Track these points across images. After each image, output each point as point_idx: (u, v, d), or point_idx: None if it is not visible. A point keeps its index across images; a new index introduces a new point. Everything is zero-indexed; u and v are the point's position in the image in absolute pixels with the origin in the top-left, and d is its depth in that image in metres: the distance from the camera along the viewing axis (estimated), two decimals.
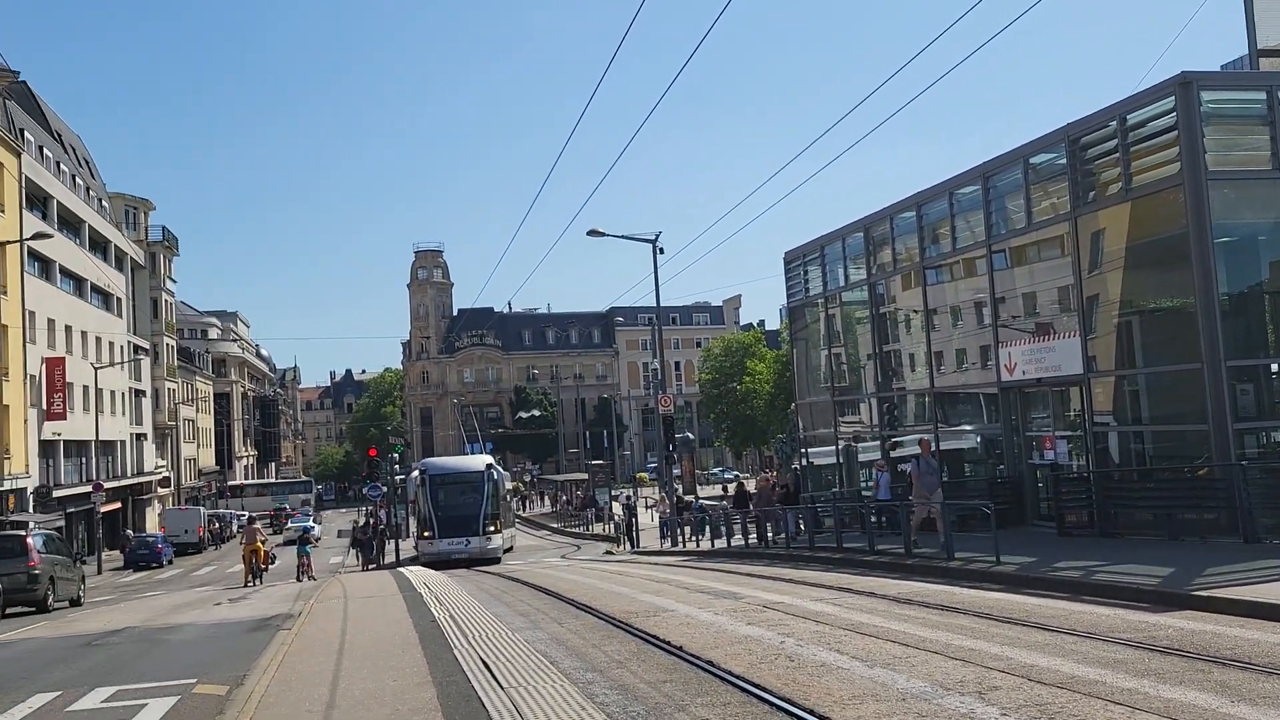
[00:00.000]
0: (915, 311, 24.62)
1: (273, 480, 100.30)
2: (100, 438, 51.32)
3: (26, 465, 43.66)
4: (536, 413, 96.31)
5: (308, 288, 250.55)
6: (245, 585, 30.37)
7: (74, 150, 61.16)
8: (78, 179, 57.47)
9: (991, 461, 22.60)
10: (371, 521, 44.10)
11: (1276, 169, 16.80)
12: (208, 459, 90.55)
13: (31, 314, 45.12)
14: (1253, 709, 6.39)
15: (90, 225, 56.04)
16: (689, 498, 38.93)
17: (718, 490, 60.20)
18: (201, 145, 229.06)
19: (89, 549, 47.91)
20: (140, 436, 64.38)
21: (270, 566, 35.42)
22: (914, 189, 24.12)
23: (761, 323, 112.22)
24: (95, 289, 56.28)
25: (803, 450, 31.50)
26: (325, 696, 8.63)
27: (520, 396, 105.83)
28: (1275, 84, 17.22)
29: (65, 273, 51.17)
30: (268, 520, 66.14)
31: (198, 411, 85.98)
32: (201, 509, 63.88)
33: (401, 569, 29.95)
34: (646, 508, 50.66)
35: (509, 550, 37.38)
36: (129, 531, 55.45)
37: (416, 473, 37.55)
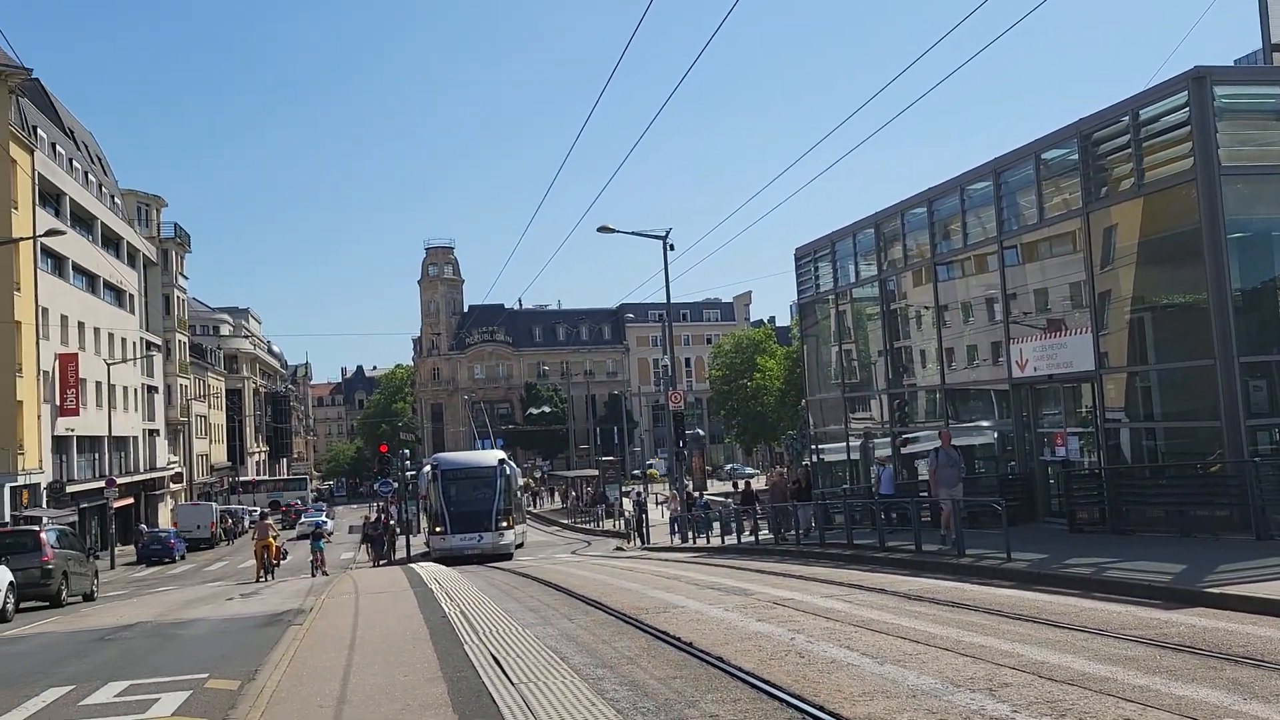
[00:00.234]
0: (926, 307, 24.56)
1: (266, 478, 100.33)
2: (113, 433, 51.55)
3: (40, 461, 43.89)
4: (547, 409, 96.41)
5: (319, 284, 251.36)
6: (257, 580, 30.49)
7: (86, 147, 61.39)
8: (90, 176, 57.69)
9: (1004, 458, 22.54)
10: (383, 517, 44.21)
11: None
12: (220, 455, 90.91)
13: (44, 310, 45.34)
14: (1265, 707, 6.36)
15: (103, 222, 56.27)
16: (698, 494, 38.96)
17: (728, 487, 60.18)
18: (213, 143, 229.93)
19: (102, 544, 48.16)
20: (153, 432, 64.67)
21: (282, 562, 35.55)
22: (925, 186, 24.07)
23: (772, 319, 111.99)
24: (108, 285, 56.52)
25: (813, 446, 31.47)
26: (336, 691, 8.66)
27: (531, 393, 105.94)
28: None
29: (78, 269, 51.40)
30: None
31: (210, 407, 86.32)
32: (214, 504, 64.13)
33: (412, 565, 30.00)
34: (657, 504, 50.70)
35: (520, 546, 37.33)
36: (143, 526, 55.73)
37: (428, 467, 37.32)
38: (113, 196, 63.40)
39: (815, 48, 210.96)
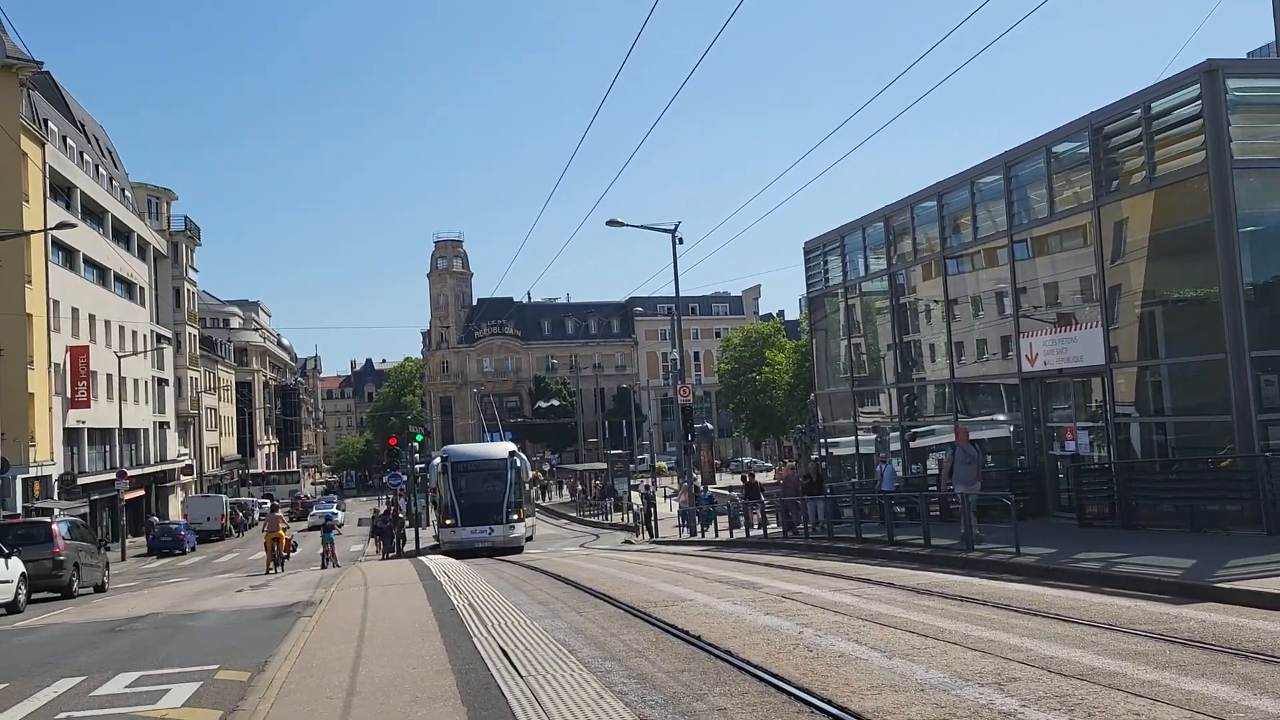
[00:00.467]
0: (936, 301, 24.50)
1: (258, 470, 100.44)
2: (124, 426, 51.77)
3: (51, 453, 44.11)
4: (555, 402, 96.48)
5: (328, 278, 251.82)
6: (267, 572, 30.60)
7: (97, 140, 61.56)
8: (101, 169, 57.86)
9: (1013, 452, 22.48)
10: (392, 510, 44.29)
11: None
12: (230, 447, 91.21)
13: (56, 303, 45.52)
14: (1276, 702, 6.33)
15: (113, 215, 56.45)
16: (703, 487, 38.94)
17: (739, 480, 60.14)
18: (224, 138, 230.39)
19: (113, 535, 48.39)
20: (163, 425, 64.93)
21: (291, 554, 35.67)
22: (935, 180, 24.00)
23: (781, 313, 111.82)
24: (118, 278, 56.73)
25: (822, 440, 31.44)
26: (345, 683, 8.69)
27: (539, 386, 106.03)
28: None
29: (89, 262, 51.59)
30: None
31: (219, 400, 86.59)
32: (224, 497, 64.38)
33: (421, 557, 30.07)
34: (665, 497, 50.70)
35: (529, 539, 37.29)
36: (155, 518, 55.98)
37: (438, 459, 36.75)
38: (123, 189, 63.60)
39: (824, 42, 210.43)
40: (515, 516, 33.54)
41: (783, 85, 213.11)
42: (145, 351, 60.02)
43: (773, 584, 14.36)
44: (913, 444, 25.98)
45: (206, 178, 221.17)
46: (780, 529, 25.98)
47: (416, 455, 47.29)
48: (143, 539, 51.62)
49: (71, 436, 47.67)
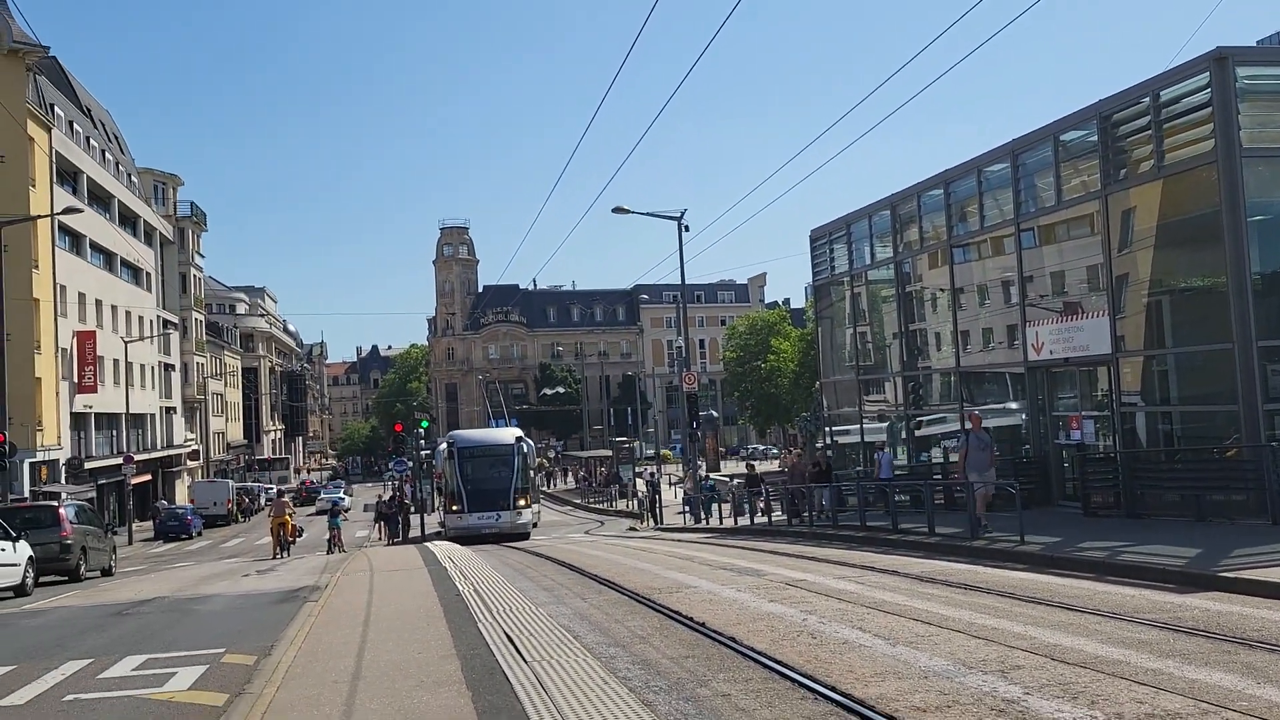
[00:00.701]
0: (942, 290, 24.44)
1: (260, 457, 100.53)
2: (130, 411, 51.91)
3: (59, 437, 44.26)
4: (561, 390, 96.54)
5: (335, 264, 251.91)
6: (273, 557, 30.68)
7: (103, 126, 61.55)
8: (107, 154, 57.87)
9: (1018, 440, 22.46)
10: (397, 496, 44.40)
11: None
12: (236, 433, 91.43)
13: (62, 288, 45.60)
14: (1279, 691, 6.34)
15: (120, 200, 56.48)
16: (705, 475, 38.95)
17: (743, 468, 60.16)
18: (229, 125, 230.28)
19: (120, 520, 48.56)
20: (169, 410, 65.09)
21: (298, 539, 35.76)
22: (941, 168, 23.90)
23: (786, 301, 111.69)
24: (125, 263, 56.80)
25: (827, 429, 31.44)
26: (351, 667, 8.73)
27: (545, 373, 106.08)
28: None
29: (95, 247, 51.65)
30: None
31: (226, 386, 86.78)
32: (230, 482, 64.55)
33: (427, 543, 30.13)
34: (670, 485, 50.78)
35: (535, 526, 37.27)
36: (163, 502, 56.16)
37: (445, 445, 36.46)
38: (129, 175, 63.62)
39: (830, 32, 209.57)
40: (522, 502, 33.33)
41: (788, 75, 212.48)
42: (151, 337, 60.13)
43: (777, 571, 14.38)
44: (918, 432, 25.97)
45: (213, 165, 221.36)
46: (785, 516, 26.00)
47: (422, 442, 47.39)
48: (149, 523, 51.79)
49: (78, 421, 47.81)
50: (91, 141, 54.70)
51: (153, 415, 60.40)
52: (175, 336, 67.80)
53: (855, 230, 28.12)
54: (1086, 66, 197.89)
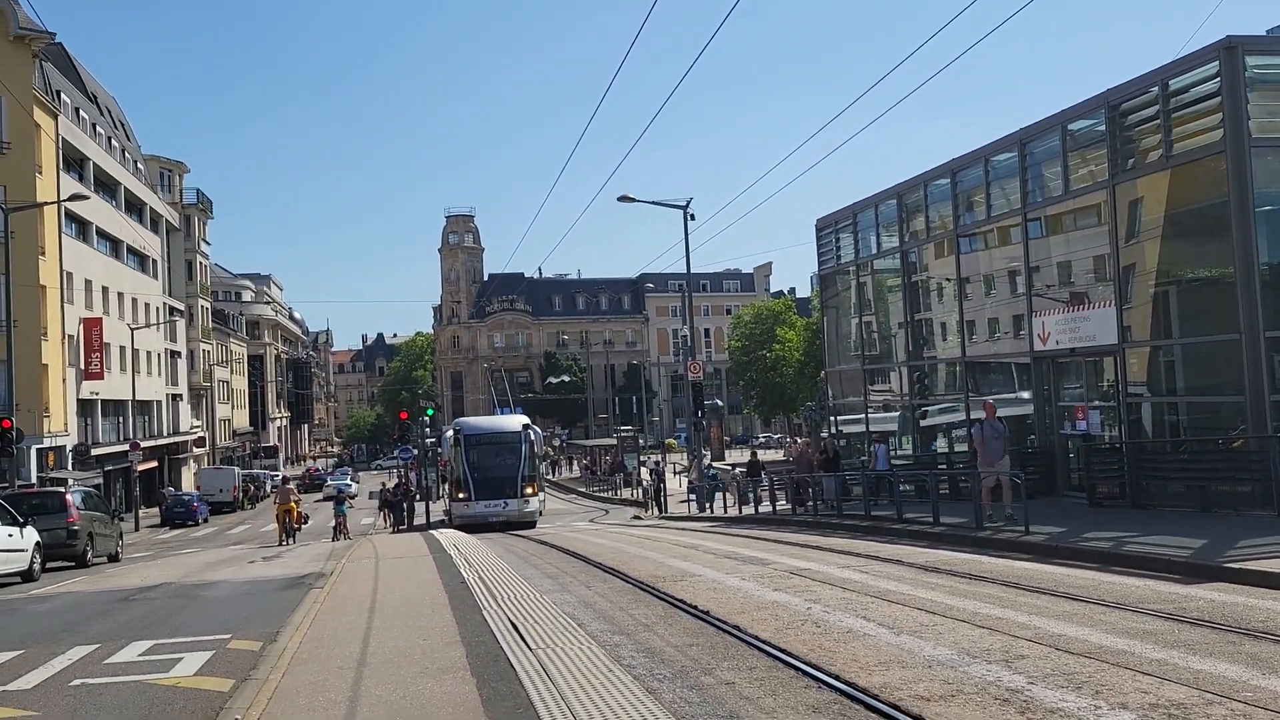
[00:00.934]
0: (948, 280, 24.39)
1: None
2: (137, 398, 52.05)
3: (65, 423, 44.39)
4: (566, 378, 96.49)
5: (340, 252, 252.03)
6: (279, 544, 30.78)
7: (109, 112, 61.55)
8: (113, 141, 57.89)
9: (1023, 430, 22.43)
10: (403, 483, 44.48)
11: None
12: (242, 420, 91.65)
13: (69, 275, 45.67)
14: None
15: (126, 187, 56.51)
16: (721, 464, 38.98)
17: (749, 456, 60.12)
18: (236, 113, 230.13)
19: (126, 506, 48.75)
20: (176, 397, 65.25)
21: (303, 526, 35.86)
22: (948, 158, 23.82)
23: (792, 290, 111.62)
24: (131, 250, 56.86)
25: (832, 418, 31.42)
26: (356, 654, 8.75)
27: (550, 362, 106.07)
28: None
29: (102, 234, 51.70)
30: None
31: (232, 373, 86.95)
32: (236, 469, 64.74)
33: (432, 531, 30.16)
34: (675, 474, 50.81)
35: (540, 514, 37.17)
36: (170, 488, 56.34)
37: (451, 432, 36.11)
38: (135, 162, 63.65)
39: (837, 19, 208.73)
40: (529, 490, 33.04)
41: (795, 64, 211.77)
42: (158, 324, 60.24)
43: (781, 560, 14.39)
44: (923, 422, 25.95)
45: (219, 153, 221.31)
46: (789, 505, 26.00)
47: (427, 430, 47.42)
48: (156, 510, 52.00)
49: (85, 408, 47.93)
50: (98, 128, 54.71)
51: (159, 402, 60.55)
52: (181, 324, 67.91)
53: (861, 219, 28.05)
54: (1094, 56, 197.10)
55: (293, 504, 32.73)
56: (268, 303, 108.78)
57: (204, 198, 76.95)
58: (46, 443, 41.36)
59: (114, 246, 54.07)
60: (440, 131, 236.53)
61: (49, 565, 21.92)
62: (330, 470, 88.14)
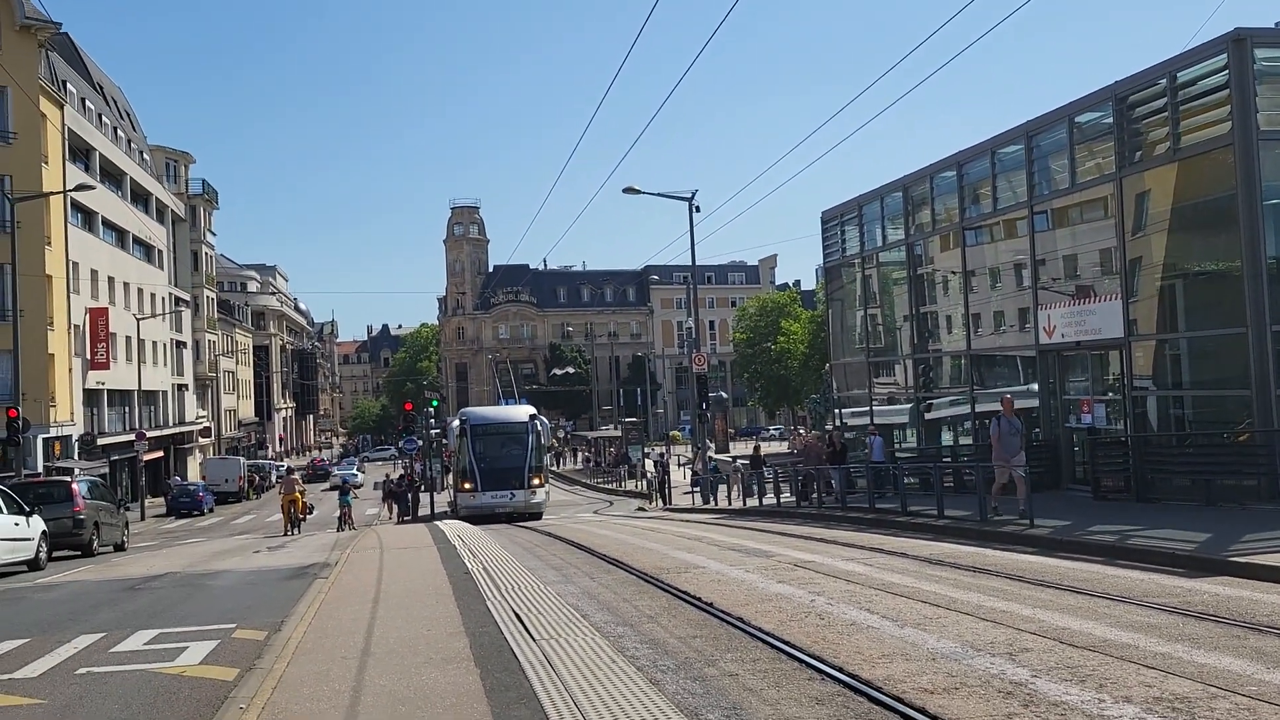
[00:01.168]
0: (953, 272, 24.34)
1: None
2: (142, 387, 52.13)
3: (71, 413, 44.48)
4: (571, 370, 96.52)
5: (346, 243, 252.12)
6: (284, 534, 30.86)
7: (115, 103, 61.54)
8: (119, 131, 57.88)
9: (1028, 423, 22.40)
10: (407, 474, 44.52)
11: None
12: (247, 410, 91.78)
13: (75, 265, 45.71)
14: None
15: (132, 178, 56.53)
16: (721, 456, 38.95)
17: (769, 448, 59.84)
18: (241, 102, 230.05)
19: (132, 496, 48.85)
20: (181, 387, 65.34)
21: (308, 516, 35.93)
22: (954, 151, 23.76)
23: (797, 282, 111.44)
24: (137, 241, 56.90)
25: (837, 411, 31.41)
26: (360, 644, 8.78)
27: (555, 353, 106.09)
28: None
29: (107, 224, 51.74)
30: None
31: (237, 363, 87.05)
32: (241, 459, 64.85)
33: (436, 522, 30.19)
34: (679, 465, 50.81)
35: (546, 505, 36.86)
36: (177, 478, 56.42)
37: (457, 422, 35.52)
38: (141, 152, 63.65)
39: (843, 12, 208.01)
40: (536, 481, 32.60)
41: (801, 56, 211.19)
42: (163, 314, 60.30)
43: (785, 552, 14.39)
44: (928, 415, 25.92)
45: (225, 143, 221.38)
46: (793, 498, 25.99)
47: (432, 421, 47.42)
48: (161, 499, 52.11)
49: (91, 397, 48.02)
50: (104, 118, 54.71)
51: (165, 392, 60.65)
52: (187, 314, 67.98)
53: (867, 212, 28.00)
54: (1102, 49, 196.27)
55: (298, 494, 32.79)
56: (273, 293, 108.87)
57: (209, 188, 76.95)
58: (53, 432, 41.44)
59: (120, 237, 54.11)
60: (446, 124, 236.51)
61: (55, 554, 21.98)
62: (336, 460, 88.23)
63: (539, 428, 33.88)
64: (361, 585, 13.28)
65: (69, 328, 44.39)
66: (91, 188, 41.63)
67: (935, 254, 25.45)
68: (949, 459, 23.75)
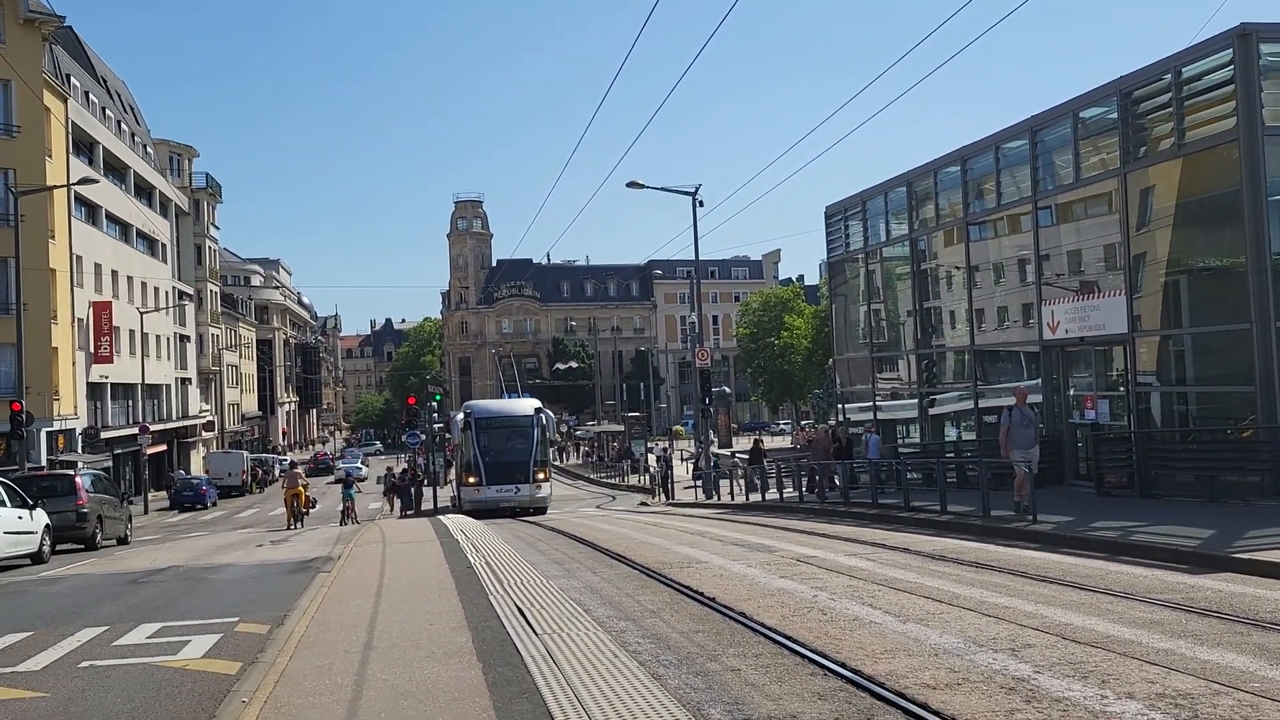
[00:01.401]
0: (957, 268, 24.31)
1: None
2: (146, 381, 52.17)
3: (75, 407, 44.54)
4: (574, 364, 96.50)
5: (349, 237, 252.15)
6: (287, 528, 30.88)
7: (119, 96, 61.52)
8: (123, 125, 57.87)
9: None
10: (409, 469, 44.55)
11: None
12: (250, 404, 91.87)
13: (79, 258, 45.74)
14: None
15: (135, 171, 56.52)
16: (720, 451, 38.91)
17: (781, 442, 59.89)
18: (245, 96, 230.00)
19: (135, 489, 48.93)
20: (185, 381, 65.40)
21: (311, 510, 35.95)
22: (958, 146, 23.71)
23: (801, 277, 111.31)
24: (140, 234, 56.91)
25: (840, 406, 31.39)
26: (363, 638, 8.78)
27: (558, 348, 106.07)
28: None
29: (111, 218, 51.75)
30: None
31: (240, 357, 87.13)
32: (244, 453, 64.94)
33: (439, 516, 30.19)
34: (682, 460, 50.79)
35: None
36: (181, 471, 56.47)
37: (461, 415, 35.22)
38: (145, 146, 63.63)
39: (847, 7, 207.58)
40: (541, 475, 32.37)
41: (805, 50, 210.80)
42: (167, 308, 60.33)
43: (788, 548, 14.39)
44: (931, 411, 25.89)
45: (228, 137, 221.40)
46: (795, 493, 25.99)
47: (435, 415, 47.43)
48: (165, 493, 52.18)
49: (94, 391, 48.08)
50: (107, 112, 54.71)
51: (168, 386, 60.71)
52: (190, 308, 68.03)
53: (871, 207, 27.96)
54: (1106, 45, 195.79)
55: (300, 488, 32.81)
56: (276, 287, 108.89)
57: (213, 182, 76.95)
58: (56, 426, 41.51)
59: (123, 230, 54.13)
60: (450, 119, 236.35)
61: (58, 548, 22.00)
62: (340, 453, 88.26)
63: (544, 421, 33.63)
64: (364, 579, 13.28)
65: (72, 321, 44.43)
66: (95, 181, 41.66)
67: (939, 249, 25.41)
68: (952, 454, 23.73)
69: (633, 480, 48.06)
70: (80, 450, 43.67)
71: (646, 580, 11.78)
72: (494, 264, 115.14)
